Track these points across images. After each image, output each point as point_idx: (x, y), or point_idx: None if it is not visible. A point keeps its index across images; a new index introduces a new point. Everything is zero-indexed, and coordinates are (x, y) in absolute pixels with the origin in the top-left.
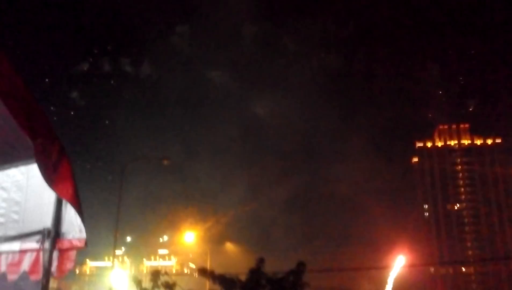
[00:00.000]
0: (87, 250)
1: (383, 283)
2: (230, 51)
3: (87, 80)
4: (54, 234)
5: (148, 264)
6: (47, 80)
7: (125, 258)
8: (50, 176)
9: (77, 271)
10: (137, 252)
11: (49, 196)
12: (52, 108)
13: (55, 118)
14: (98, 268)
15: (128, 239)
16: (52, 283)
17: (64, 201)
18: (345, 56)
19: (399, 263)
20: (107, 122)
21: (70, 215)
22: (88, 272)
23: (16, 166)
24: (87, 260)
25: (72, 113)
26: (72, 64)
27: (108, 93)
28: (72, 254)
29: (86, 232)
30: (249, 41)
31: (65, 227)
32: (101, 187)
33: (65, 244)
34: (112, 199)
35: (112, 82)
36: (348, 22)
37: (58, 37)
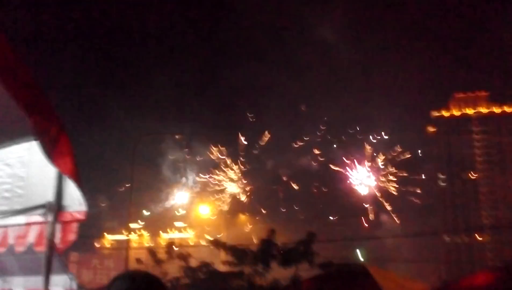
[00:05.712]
0: (105, 224)
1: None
2: None
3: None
4: (56, 207)
5: (166, 236)
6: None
7: (143, 231)
8: (49, 152)
9: (97, 245)
10: (154, 225)
11: (51, 171)
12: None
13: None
14: (117, 241)
15: (145, 213)
16: (73, 257)
17: (64, 176)
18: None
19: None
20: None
21: (71, 189)
22: (107, 245)
23: (19, 142)
24: (105, 234)
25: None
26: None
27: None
28: (74, 226)
29: (86, 205)
30: None
31: (67, 200)
32: (118, 161)
33: (67, 217)
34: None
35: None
36: None
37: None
